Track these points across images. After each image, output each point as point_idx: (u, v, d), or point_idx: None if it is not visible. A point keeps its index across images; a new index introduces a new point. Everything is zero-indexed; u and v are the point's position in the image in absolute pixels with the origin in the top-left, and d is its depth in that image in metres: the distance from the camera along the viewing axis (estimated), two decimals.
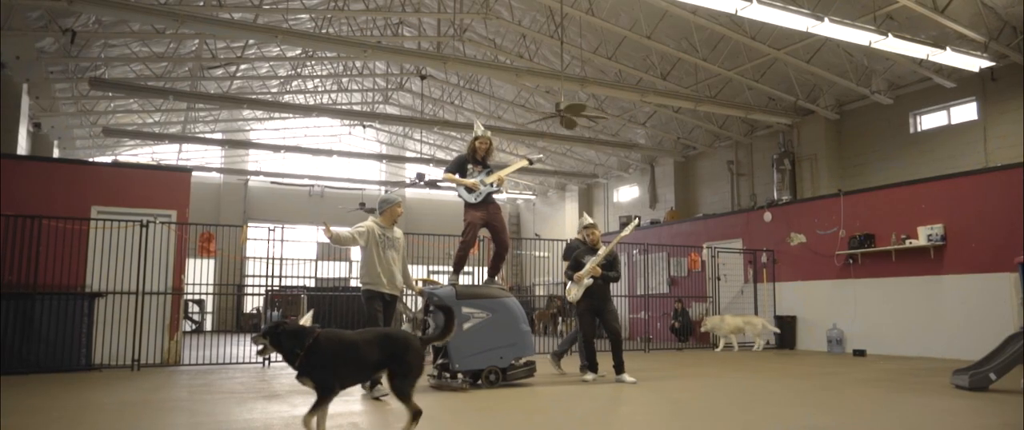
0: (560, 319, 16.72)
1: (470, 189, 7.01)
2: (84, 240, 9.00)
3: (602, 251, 7.44)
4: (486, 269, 7.60)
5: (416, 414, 3.88)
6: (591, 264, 7.31)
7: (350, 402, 5.78)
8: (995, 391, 6.19)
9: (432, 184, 22.60)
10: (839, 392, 6.55)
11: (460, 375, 6.67)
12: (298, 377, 3.96)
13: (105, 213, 9.29)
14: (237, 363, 9.71)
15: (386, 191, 6.90)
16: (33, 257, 8.55)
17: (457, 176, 7.05)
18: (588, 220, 7.89)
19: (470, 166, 7.10)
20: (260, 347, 3.97)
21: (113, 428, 4.63)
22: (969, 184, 10.59)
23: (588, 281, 7.30)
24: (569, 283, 7.55)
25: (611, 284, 7.52)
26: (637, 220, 8.41)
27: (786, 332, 12.84)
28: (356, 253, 26.73)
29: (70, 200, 9.20)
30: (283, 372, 8.58)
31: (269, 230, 9.71)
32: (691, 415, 5.36)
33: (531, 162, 7.74)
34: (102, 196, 9.51)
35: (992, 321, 9.59)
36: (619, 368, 7.29)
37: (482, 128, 7.33)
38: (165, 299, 9.38)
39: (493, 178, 7.07)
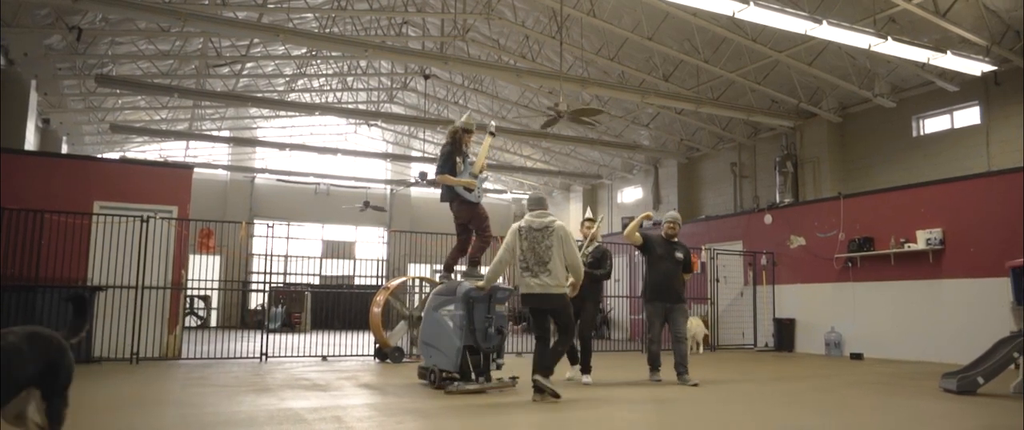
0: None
1: (469, 188, 6.78)
2: (86, 234, 9.12)
3: (585, 250, 7.42)
4: (445, 262, 7.26)
5: None
6: None
7: (337, 397, 5.86)
8: (982, 395, 6.18)
9: (433, 183, 22.64)
10: (827, 394, 6.57)
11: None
12: None
13: (107, 208, 9.42)
14: (236, 358, 9.82)
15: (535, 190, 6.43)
16: (35, 251, 8.68)
17: (450, 176, 6.75)
18: (586, 215, 7.96)
19: (457, 159, 6.79)
20: None
21: (101, 420, 4.72)
22: (968, 188, 10.55)
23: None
24: None
25: (602, 282, 7.48)
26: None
27: (785, 335, 12.83)
28: (360, 251, 26.76)
29: (73, 195, 9.32)
30: (278, 367, 8.68)
31: (268, 227, 9.77)
32: (680, 414, 5.40)
33: (493, 135, 7.33)
34: (105, 191, 9.64)
35: (990, 326, 9.52)
36: (575, 363, 7.31)
37: (468, 119, 7.05)
38: (164, 294, 9.49)
39: (477, 169, 6.85)
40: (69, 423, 4.41)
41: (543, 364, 5.70)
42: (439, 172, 6.81)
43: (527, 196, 6.49)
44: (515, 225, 6.01)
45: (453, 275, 7.16)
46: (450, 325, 6.30)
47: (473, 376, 6.19)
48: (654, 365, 7.34)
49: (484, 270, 6.63)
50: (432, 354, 6.48)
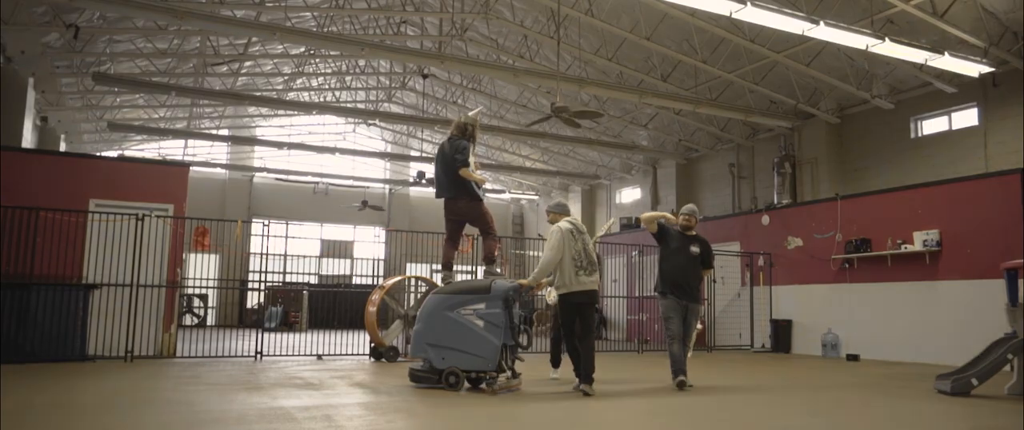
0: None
1: (478, 184, 6.76)
2: (81, 232, 9.10)
3: None
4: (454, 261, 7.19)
5: None
6: None
7: (329, 396, 5.84)
8: (976, 396, 6.17)
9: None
10: (823, 395, 6.56)
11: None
12: None
13: (103, 206, 9.39)
14: (231, 356, 9.81)
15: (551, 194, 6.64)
16: (30, 248, 8.67)
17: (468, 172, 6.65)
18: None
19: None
20: None
21: (93, 418, 4.71)
22: (965, 190, 10.52)
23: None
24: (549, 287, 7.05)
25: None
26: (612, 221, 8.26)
27: (781, 336, 12.81)
28: (358, 251, 26.72)
29: (69, 192, 9.30)
30: (273, 366, 8.67)
31: (264, 225, 9.75)
32: (677, 414, 5.39)
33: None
34: (101, 189, 9.62)
35: (986, 327, 9.49)
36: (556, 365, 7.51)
37: (477, 116, 7.00)
38: (160, 292, 9.47)
39: (473, 164, 6.79)
40: (62, 421, 4.42)
41: (587, 373, 6.08)
42: (461, 165, 6.60)
43: (555, 201, 6.72)
44: (563, 226, 6.26)
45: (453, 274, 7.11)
46: (480, 324, 6.21)
47: (507, 371, 6.30)
48: (677, 368, 6.63)
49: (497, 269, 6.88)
50: (445, 355, 6.27)
